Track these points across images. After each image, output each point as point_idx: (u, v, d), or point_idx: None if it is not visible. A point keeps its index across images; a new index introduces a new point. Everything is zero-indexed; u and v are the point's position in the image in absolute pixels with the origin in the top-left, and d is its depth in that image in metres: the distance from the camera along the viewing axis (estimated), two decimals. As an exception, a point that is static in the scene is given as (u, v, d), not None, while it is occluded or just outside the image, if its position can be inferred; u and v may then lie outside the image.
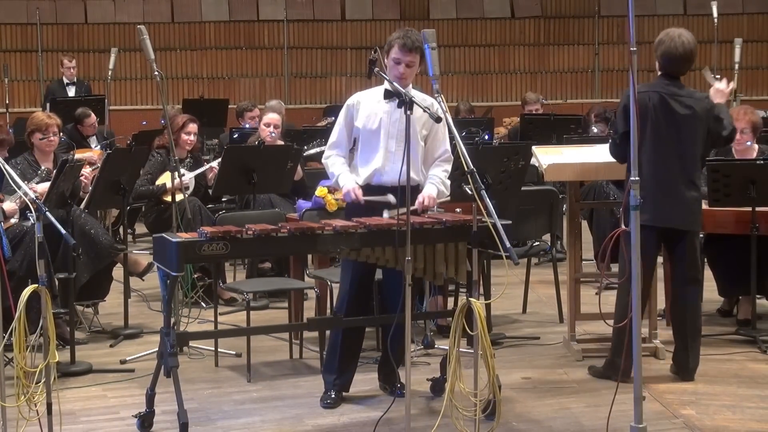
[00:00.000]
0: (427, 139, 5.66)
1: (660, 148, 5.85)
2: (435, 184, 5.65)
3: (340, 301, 5.71)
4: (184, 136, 8.24)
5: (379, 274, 5.90)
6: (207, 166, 8.45)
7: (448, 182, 5.73)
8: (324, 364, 5.87)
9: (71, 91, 13.05)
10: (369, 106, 5.64)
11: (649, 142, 5.83)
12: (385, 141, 5.58)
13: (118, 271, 7.48)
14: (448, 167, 5.74)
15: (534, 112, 11.49)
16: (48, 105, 11.71)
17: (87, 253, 6.89)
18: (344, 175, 5.63)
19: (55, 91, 13.14)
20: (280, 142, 8.72)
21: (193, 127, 8.32)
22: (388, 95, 5.49)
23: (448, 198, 5.88)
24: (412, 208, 5.41)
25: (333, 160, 5.70)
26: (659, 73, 6.02)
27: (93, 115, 11.00)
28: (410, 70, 5.49)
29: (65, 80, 13.20)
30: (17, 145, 7.83)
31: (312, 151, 9.35)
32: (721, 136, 6.05)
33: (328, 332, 6.16)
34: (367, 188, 5.61)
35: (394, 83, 5.28)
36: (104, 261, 7.09)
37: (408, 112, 4.84)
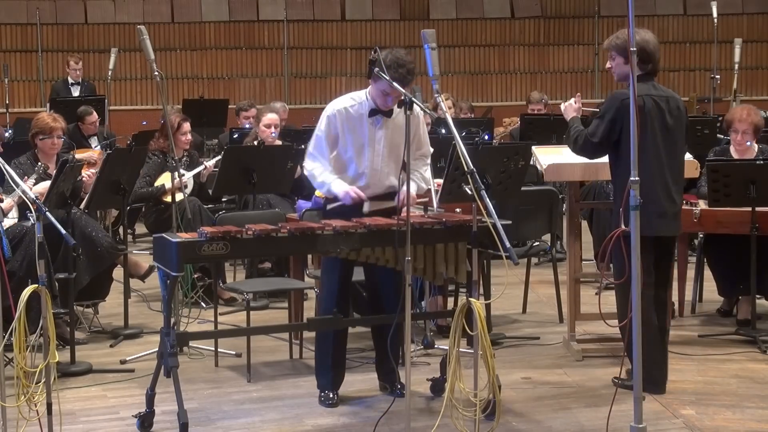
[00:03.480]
0: (415, 137, 5.66)
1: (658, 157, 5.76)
2: (415, 180, 5.62)
3: (328, 301, 5.67)
4: (181, 137, 8.27)
5: (359, 275, 5.88)
6: (203, 166, 8.46)
7: (428, 176, 5.76)
8: (317, 366, 5.81)
9: (75, 92, 13.04)
10: (353, 121, 5.57)
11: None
12: (371, 160, 5.59)
13: (118, 272, 7.48)
14: (428, 161, 5.80)
15: (536, 112, 11.49)
16: (48, 104, 11.70)
17: (88, 256, 6.89)
18: (336, 182, 5.58)
19: (59, 90, 13.14)
20: (278, 142, 8.73)
21: (187, 126, 8.38)
22: (373, 114, 5.50)
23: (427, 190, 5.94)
24: (391, 204, 5.45)
25: (319, 171, 5.61)
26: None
27: (95, 113, 11.01)
28: (398, 98, 5.37)
29: (70, 80, 13.19)
30: (18, 145, 7.83)
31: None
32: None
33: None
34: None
35: (394, 84, 5.27)
36: (105, 263, 7.09)
37: (408, 112, 4.83)
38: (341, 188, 5.56)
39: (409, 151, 4.84)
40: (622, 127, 5.64)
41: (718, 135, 9.23)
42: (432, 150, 5.86)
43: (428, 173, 5.80)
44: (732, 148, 7.44)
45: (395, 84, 5.21)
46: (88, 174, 7.21)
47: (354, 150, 5.59)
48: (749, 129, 7.24)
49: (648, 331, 5.33)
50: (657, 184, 5.68)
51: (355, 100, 5.60)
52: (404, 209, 5.48)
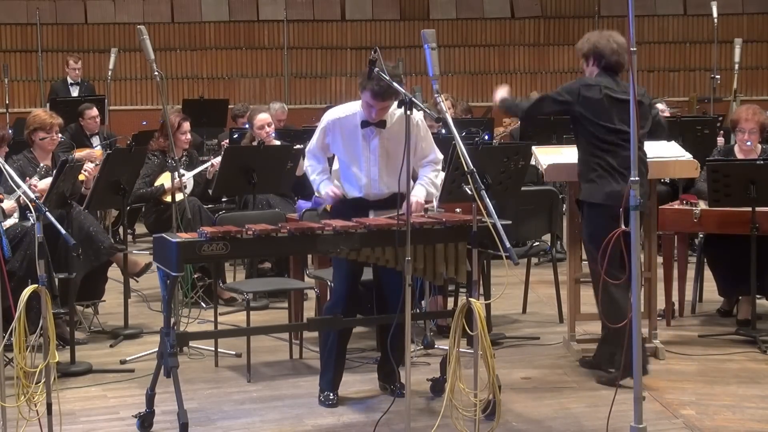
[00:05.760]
0: (417, 146, 5.68)
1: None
2: (424, 185, 5.76)
3: (335, 301, 5.72)
4: (181, 136, 8.28)
5: (369, 274, 5.90)
6: (208, 164, 8.47)
7: (438, 182, 5.79)
8: (322, 365, 5.83)
9: (75, 92, 13.03)
10: (347, 131, 5.65)
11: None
12: (367, 169, 5.64)
13: (116, 272, 7.47)
14: (439, 168, 5.84)
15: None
16: (48, 104, 11.70)
17: (84, 251, 6.88)
18: (323, 183, 5.77)
19: (59, 90, 13.13)
20: (276, 142, 8.73)
21: (187, 125, 8.39)
22: (365, 125, 5.54)
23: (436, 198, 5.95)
24: (402, 213, 5.48)
25: (312, 169, 5.83)
26: (595, 72, 5.90)
27: (95, 108, 10.99)
28: (384, 111, 5.52)
29: (69, 80, 13.19)
30: (18, 145, 7.82)
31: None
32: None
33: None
34: (352, 201, 5.71)
35: (394, 83, 5.26)
36: (100, 260, 7.06)
37: (408, 112, 4.83)
38: (324, 189, 5.77)
39: (409, 153, 4.83)
40: (579, 112, 5.85)
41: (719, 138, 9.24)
42: (442, 156, 5.87)
43: (439, 179, 5.81)
44: (737, 148, 7.45)
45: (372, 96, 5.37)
46: (88, 169, 7.20)
47: (349, 159, 5.68)
48: (756, 128, 7.27)
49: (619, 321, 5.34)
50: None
51: (349, 110, 5.68)
52: (411, 213, 5.53)
